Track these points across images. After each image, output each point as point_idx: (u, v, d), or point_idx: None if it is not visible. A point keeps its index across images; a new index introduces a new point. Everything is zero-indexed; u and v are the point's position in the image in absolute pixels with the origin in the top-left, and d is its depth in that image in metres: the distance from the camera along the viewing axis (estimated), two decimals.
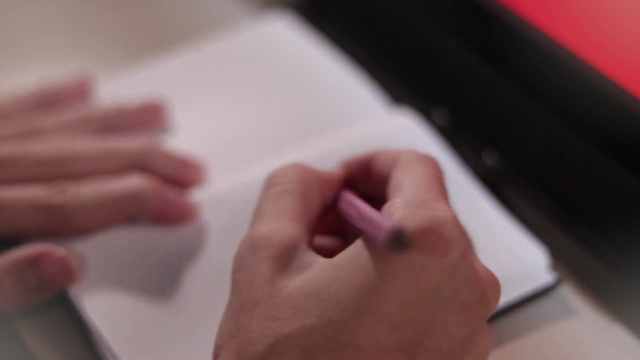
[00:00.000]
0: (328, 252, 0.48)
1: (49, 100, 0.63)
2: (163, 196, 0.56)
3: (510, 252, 0.54)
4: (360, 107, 0.63)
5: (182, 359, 0.51)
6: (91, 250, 0.55)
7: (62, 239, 0.55)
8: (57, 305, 0.55)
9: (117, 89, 0.66)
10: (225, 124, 0.63)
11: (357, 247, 0.45)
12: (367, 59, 0.67)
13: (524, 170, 0.60)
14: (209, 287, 0.53)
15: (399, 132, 0.59)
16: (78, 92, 0.64)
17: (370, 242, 0.45)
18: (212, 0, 0.76)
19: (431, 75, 0.67)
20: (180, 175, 0.58)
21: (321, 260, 0.46)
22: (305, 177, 0.50)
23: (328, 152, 0.57)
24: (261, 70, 0.66)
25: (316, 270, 0.45)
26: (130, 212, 0.55)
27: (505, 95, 0.62)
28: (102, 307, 0.53)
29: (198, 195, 0.57)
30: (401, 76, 0.67)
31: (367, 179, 0.52)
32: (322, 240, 0.53)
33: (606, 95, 0.56)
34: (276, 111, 0.64)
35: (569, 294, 0.54)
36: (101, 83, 0.66)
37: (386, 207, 0.46)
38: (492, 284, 0.46)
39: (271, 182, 0.50)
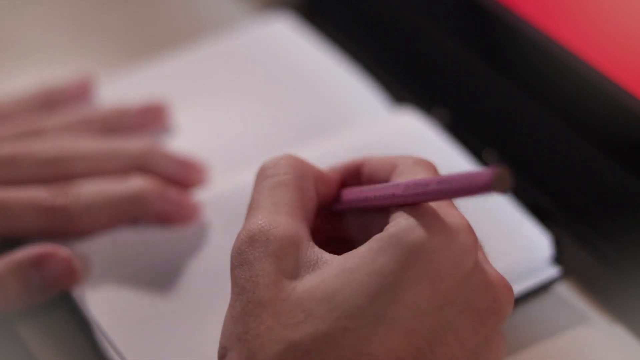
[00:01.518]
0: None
1: (50, 101, 0.63)
2: (165, 197, 0.56)
3: (515, 243, 0.54)
4: (360, 107, 0.63)
5: (185, 357, 0.51)
6: (94, 250, 0.55)
7: (64, 239, 0.55)
8: (57, 307, 0.55)
9: (118, 90, 0.66)
10: (227, 125, 0.63)
11: (371, 251, 0.44)
12: (368, 59, 0.67)
13: (524, 170, 0.60)
14: (211, 285, 0.53)
15: (406, 131, 0.59)
16: (79, 92, 0.64)
17: (383, 248, 0.44)
18: (212, 1, 0.76)
19: (431, 75, 0.67)
20: (182, 176, 0.58)
21: (329, 259, 0.45)
22: (300, 169, 0.48)
23: (338, 152, 0.58)
24: (262, 71, 0.66)
25: (327, 272, 0.44)
26: (133, 214, 0.55)
27: (505, 95, 0.62)
28: (106, 307, 0.53)
29: (199, 196, 0.57)
30: (401, 76, 0.67)
31: (356, 185, 0.50)
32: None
33: (606, 95, 0.56)
34: (277, 111, 0.64)
35: (569, 294, 0.54)
36: (102, 83, 0.66)
37: (398, 212, 0.45)
38: (505, 291, 0.46)
39: (264, 174, 0.48)
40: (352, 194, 0.49)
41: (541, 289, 0.54)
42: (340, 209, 0.50)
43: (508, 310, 0.46)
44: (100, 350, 0.52)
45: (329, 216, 0.50)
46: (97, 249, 0.55)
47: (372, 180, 0.49)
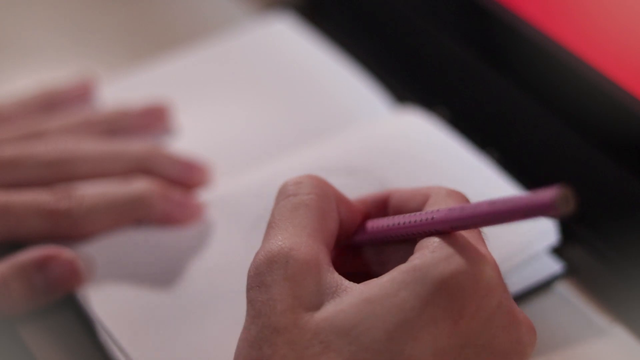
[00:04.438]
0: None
1: (51, 103, 0.63)
2: (168, 198, 0.56)
3: (520, 239, 0.54)
4: (362, 107, 0.63)
5: (190, 357, 0.51)
6: (98, 252, 0.55)
7: (68, 241, 0.55)
8: (60, 309, 0.55)
9: (119, 91, 0.66)
10: (229, 125, 0.64)
11: (393, 282, 0.43)
12: (368, 59, 0.67)
13: (524, 169, 0.60)
14: (215, 286, 0.54)
15: (413, 129, 0.59)
16: (81, 94, 0.64)
17: (406, 281, 0.43)
18: (213, 2, 0.76)
19: (432, 75, 0.67)
20: (185, 178, 0.58)
21: (349, 286, 0.44)
22: (322, 189, 0.47)
23: (343, 152, 0.58)
24: (263, 71, 0.67)
25: (347, 302, 0.43)
26: (137, 216, 0.55)
27: (505, 95, 0.62)
28: (110, 308, 0.53)
29: (203, 197, 0.58)
30: (402, 76, 0.67)
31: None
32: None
33: (606, 95, 0.56)
34: (279, 112, 0.64)
35: (569, 294, 0.54)
36: (103, 85, 0.66)
37: (423, 244, 0.44)
38: (529, 332, 0.45)
39: (286, 192, 0.47)
40: (380, 222, 0.48)
41: (544, 286, 0.54)
42: (363, 241, 0.49)
43: (530, 353, 0.45)
44: (105, 351, 0.52)
45: (347, 250, 0.50)
46: (101, 250, 0.55)
47: (401, 212, 0.48)
